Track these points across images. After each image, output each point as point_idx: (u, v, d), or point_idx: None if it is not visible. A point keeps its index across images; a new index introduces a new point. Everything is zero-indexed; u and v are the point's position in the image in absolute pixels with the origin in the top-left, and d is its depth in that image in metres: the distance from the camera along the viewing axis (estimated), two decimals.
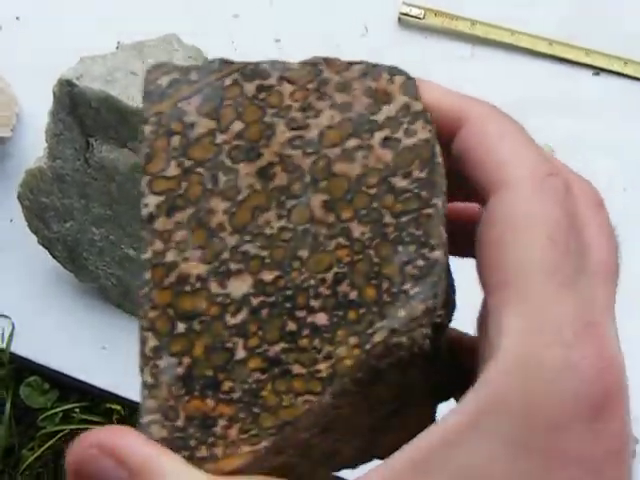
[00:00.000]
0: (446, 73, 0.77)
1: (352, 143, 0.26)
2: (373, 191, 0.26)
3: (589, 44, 0.77)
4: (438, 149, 0.26)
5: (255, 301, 0.25)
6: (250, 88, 0.27)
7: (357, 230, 0.25)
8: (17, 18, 0.80)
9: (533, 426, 0.22)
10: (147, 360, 0.25)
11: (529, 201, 0.24)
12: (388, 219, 0.25)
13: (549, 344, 0.22)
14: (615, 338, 0.23)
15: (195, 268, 0.25)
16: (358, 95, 0.27)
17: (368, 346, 0.24)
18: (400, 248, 0.25)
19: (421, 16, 0.77)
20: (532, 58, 0.78)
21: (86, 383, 0.75)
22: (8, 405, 0.78)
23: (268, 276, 0.25)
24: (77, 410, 0.78)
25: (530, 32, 0.77)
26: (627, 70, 0.76)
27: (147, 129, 0.26)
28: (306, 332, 0.25)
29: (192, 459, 0.24)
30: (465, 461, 0.22)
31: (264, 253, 0.25)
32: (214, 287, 0.25)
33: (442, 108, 0.27)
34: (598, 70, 0.77)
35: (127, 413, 0.76)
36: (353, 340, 0.24)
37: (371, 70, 0.27)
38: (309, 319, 0.25)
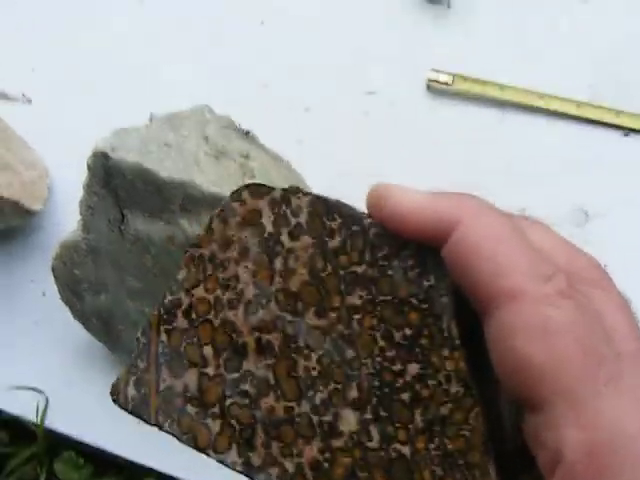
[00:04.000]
0: (477, 139, 0.78)
1: None
2: None
3: (618, 105, 0.77)
4: None
5: None
6: None
7: None
8: (45, 91, 0.81)
9: None
10: None
11: (542, 311, 0.24)
12: None
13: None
14: None
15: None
16: None
17: None
18: None
19: (450, 82, 0.78)
20: (562, 121, 0.78)
21: (121, 457, 0.74)
22: None
23: None
24: None
25: (559, 95, 0.77)
26: None
27: None
28: None
29: None
30: None
31: None
32: None
33: (429, 213, 0.27)
34: (628, 131, 0.77)
35: None
36: None
37: None
38: None
